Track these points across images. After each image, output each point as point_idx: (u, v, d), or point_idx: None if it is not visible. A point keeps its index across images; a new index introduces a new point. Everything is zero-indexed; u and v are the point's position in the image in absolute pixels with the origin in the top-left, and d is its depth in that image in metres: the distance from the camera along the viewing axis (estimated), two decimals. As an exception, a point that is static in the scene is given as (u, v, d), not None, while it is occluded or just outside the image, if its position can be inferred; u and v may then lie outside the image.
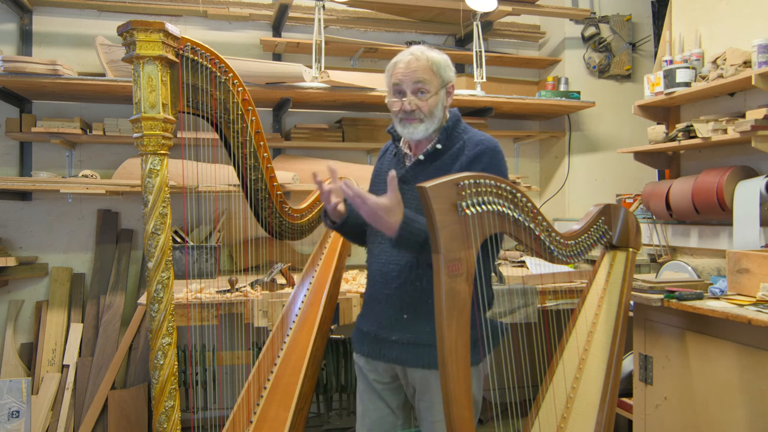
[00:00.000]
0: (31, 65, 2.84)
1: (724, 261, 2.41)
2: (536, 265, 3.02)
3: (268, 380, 2.02)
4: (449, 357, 1.31)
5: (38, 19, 3.36)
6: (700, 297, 2.18)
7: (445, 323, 1.31)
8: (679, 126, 3.02)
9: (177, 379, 1.76)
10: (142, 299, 2.82)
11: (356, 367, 1.89)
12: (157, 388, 1.71)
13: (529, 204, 1.55)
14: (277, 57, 3.69)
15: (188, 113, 1.81)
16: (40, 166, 3.29)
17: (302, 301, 2.26)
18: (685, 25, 3.18)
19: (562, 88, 3.86)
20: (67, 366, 3.14)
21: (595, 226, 1.97)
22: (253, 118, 1.91)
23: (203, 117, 1.85)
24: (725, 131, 2.73)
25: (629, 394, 2.60)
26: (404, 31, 3.92)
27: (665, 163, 3.38)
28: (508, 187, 1.47)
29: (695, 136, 2.89)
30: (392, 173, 1.50)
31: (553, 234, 1.69)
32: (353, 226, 1.80)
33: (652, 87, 3.21)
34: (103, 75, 3.04)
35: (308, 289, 2.29)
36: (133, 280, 3.40)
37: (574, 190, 3.96)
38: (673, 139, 3.03)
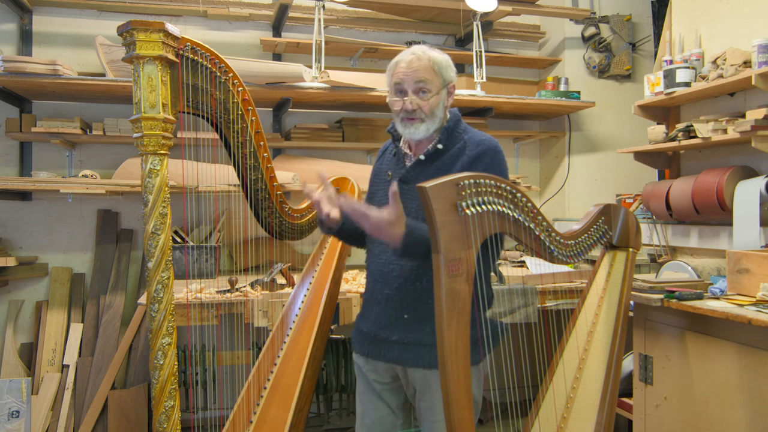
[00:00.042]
0: (31, 65, 2.84)
1: (724, 261, 2.40)
2: (536, 265, 3.02)
3: (268, 380, 2.02)
4: (449, 357, 1.31)
5: (38, 19, 3.36)
6: (700, 297, 2.18)
7: (445, 323, 1.31)
8: (679, 126, 3.02)
9: (177, 379, 1.76)
10: (142, 299, 2.82)
11: (356, 367, 1.88)
12: (157, 388, 1.70)
13: (529, 204, 1.55)
14: (277, 57, 3.69)
15: (188, 113, 1.81)
16: (40, 166, 3.29)
17: (302, 301, 2.26)
18: (685, 25, 3.18)
19: (562, 88, 3.86)
20: (67, 366, 3.14)
21: (595, 226, 1.97)
22: (253, 118, 1.91)
23: (203, 117, 1.85)
24: (725, 131, 2.73)
25: (629, 394, 2.60)
26: (404, 31, 3.92)
27: (665, 163, 3.38)
28: (508, 187, 1.47)
29: (695, 136, 2.89)
30: (394, 187, 1.47)
31: (553, 234, 1.68)
32: (350, 231, 1.79)
33: (652, 87, 3.21)
34: (103, 75, 3.04)
35: (308, 289, 2.29)
36: (133, 280, 3.40)
37: (574, 190, 3.96)
38: (673, 139, 3.03)
